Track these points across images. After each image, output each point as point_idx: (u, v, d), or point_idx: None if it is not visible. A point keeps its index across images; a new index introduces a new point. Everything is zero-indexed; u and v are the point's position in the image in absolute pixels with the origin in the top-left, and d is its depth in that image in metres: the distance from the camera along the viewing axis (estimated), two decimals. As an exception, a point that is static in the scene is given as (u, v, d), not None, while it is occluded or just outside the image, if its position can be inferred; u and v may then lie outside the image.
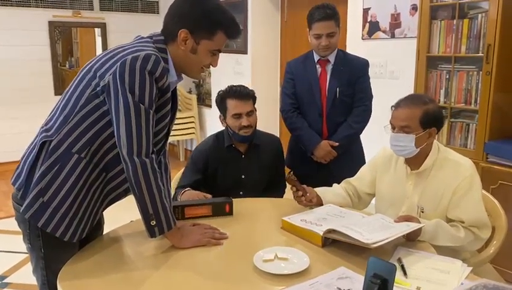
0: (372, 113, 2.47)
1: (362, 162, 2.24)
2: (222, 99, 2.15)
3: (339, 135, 2.39)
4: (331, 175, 2.21)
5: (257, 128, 2.24)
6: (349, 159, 2.38)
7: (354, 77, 2.39)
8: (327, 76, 2.42)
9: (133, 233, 1.63)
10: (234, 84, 2.17)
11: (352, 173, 2.01)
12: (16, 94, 4.90)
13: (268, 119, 4.56)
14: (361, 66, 2.44)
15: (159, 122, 1.44)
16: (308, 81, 2.44)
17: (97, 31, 5.38)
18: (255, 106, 2.20)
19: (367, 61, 2.48)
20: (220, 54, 1.51)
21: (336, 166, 2.39)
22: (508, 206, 1.96)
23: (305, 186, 1.83)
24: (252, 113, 2.14)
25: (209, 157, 2.18)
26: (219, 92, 2.20)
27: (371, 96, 2.46)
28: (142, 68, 1.32)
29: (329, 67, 2.42)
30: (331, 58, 2.41)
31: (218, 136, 2.24)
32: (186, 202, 1.87)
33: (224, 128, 2.24)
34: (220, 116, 2.21)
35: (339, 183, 2.00)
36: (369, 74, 2.48)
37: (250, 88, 2.19)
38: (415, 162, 1.75)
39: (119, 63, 1.33)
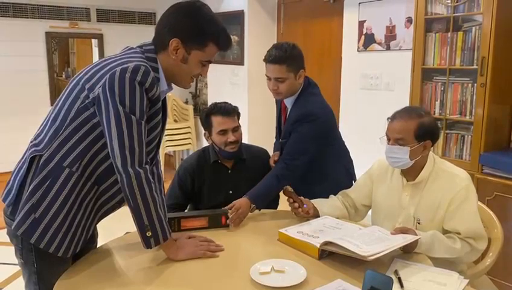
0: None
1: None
2: (207, 117, 2.13)
3: (256, 189, 1.95)
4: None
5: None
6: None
7: (290, 123, 2.05)
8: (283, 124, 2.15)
9: (128, 245, 1.62)
10: (218, 102, 2.16)
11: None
12: (12, 104, 4.88)
13: (265, 130, 4.55)
14: (301, 112, 2.01)
15: (150, 132, 1.44)
16: (278, 118, 2.24)
17: (94, 41, 5.39)
18: (240, 121, 2.18)
19: (307, 109, 2.00)
20: (210, 64, 1.51)
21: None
22: (504, 217, 1.97)
23: (302, 197, 1.83)
24: (237, 128, 2.12)
25: (195, 174, 2.16)
26: (203, 109, 2.19)
27: (295, 153, 1.99)
28: (132, 79, 1.32)
29: (287, 114, 2.13)
30: (288, 103, 2.10)
31: (205, 151, 2.22)
32: (182, 213, 1.86)
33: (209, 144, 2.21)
34: (204, 134, 2.19)
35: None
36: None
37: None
38: (411, 173, 1.75)
39: (108, 75, 1.32)
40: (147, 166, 1.38)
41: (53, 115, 1.41)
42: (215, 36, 1.44)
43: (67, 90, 1.42)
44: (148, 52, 1.44)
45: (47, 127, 1.41)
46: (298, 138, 2.00)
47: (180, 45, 1.41)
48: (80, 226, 1.42)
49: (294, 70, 2.01)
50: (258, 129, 4.49)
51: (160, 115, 1.47)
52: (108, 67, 1.35)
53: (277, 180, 1.96)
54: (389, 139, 1.73)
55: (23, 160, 1.43)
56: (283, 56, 1.98)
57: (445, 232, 1.68)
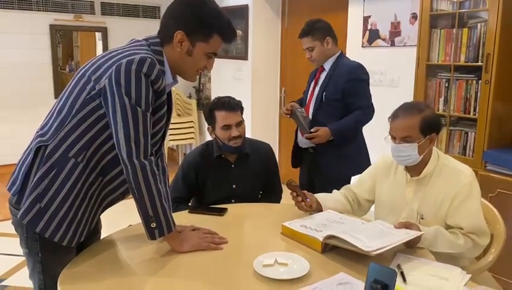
0: (372, 120, 2.47)
1: (358, 165, 2.29)
2: (210, 111, 2.14)
3: (336, 125, 2.44)
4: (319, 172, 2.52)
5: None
6: (341, 159, 2.50)
7: (341, 80, 2.45)
8: (318, 83, 2.59)
9: (132, 237, 1.63)
10: (221, 96, 2.17)
11: (342, 173, 2.39)
12: (16, 97, 4.90)
13: (268, 125, 4.57)
14: (350, 69, 2.48)
15: (155, 125, 1.45)
16: (308, 87, 2.69)
17: (98, 35, 5.39)
18: (243, 115, 2.20)
19: (358, 64, 2.51)
20: (215, 57, 1.52)
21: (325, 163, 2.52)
22: (507, 214, 1.96)
23: (305, 191, 1.83)
24: (241, 123, 2.13)
25: (198, 168, 2.17)
26: (207, 104, 2.20)
27: (366, 101, 2.48)
28: (138, 71, 1.32)
29: (323, 75, 2.57)
30: (327, 65, 2.56)
31: (208, 145, 2.23)
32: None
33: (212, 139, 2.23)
34: (208, 128, 2.20)
35: (332, 184, 2.04)
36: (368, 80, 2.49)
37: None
38: (415, 169, 1.75)
39: (114, 67, 1.33)
40: (152, 158, 1.39)
41: (59, 106, 1.42)
42: (220, 28, 1.45)
43: (73, 82, 1.43)
44: (154, 45, 1.44)
45: (53, 117, 1.42)
46: (364, 88, 2.50)
47: (185, 37, 1.42)
48: (85, 216, 1.44)
49: (319, 39, 2.48)
50: (262, 124, 4.51)
51: (166, 107, 1.48)
52: (114, 59, 1.36)
53: (355, 122, 2.46)
54: (394, 139, 1.72)
55: (28, 150, 1.44)
56: (306, 30, 2.49)
57: (448, 227, 1.68)
